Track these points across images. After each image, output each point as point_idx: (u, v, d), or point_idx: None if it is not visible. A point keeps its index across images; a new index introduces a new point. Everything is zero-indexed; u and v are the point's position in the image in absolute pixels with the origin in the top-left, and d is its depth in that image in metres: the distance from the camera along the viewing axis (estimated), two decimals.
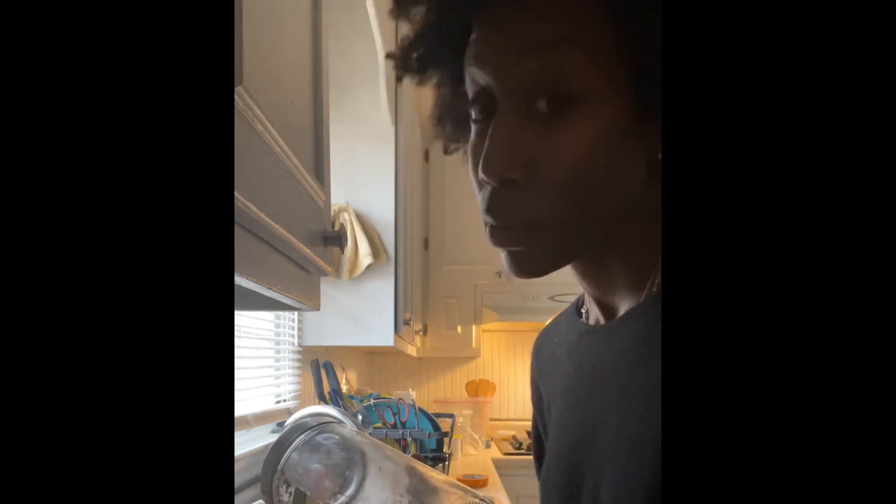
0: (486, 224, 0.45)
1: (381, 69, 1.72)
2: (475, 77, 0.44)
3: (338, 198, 1.88)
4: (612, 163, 0.42)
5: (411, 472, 0.48)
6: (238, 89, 0.42)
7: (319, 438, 0.49)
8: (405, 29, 0.49)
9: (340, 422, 0.52)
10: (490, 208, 0.43)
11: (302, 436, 0.48)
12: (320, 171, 0.73)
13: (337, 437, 0.49)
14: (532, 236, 0.43)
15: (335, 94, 1.81)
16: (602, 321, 0.50)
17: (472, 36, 0.44)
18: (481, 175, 0.42)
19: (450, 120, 0.52)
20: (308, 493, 0.47)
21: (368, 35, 1.62)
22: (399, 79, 0.51)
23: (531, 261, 0.44)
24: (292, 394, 1.86)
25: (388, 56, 0.50)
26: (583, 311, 0.55)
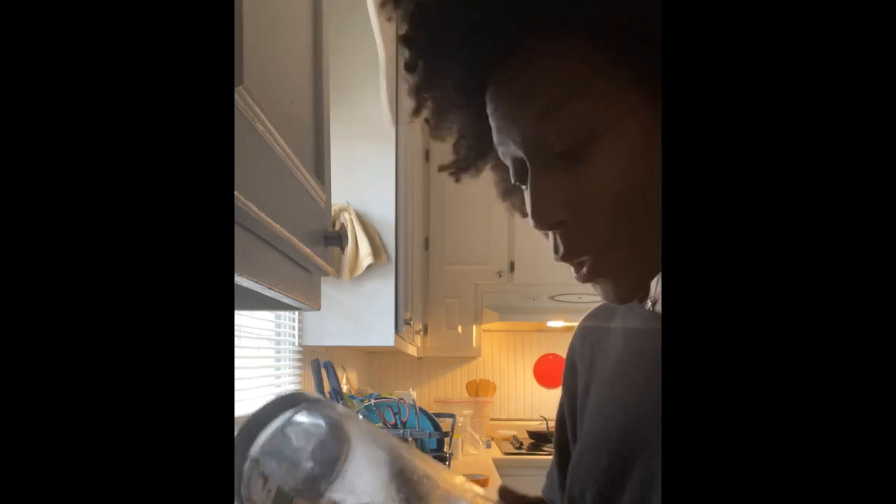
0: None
1: (382, 69, 1.72)
2: (503, 150, 0.47)
3: (338, 198, 1.88)
4: (649, 177, 0.43)
5: (409, 471, 0.41)
6: (239, 89, 0.42)
7: (301, 419, 0.41)
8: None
9: (325, 402, 0.44)
10: (557, 251, 0.46)
11: (281, 417, 0.40)
12: (321, 170, 0.73)
13: (322, 419, 0.42)
14: (606, 260, 0.45)
15: (336, 94, 1.81)
16: None
17: (489, 109, 0.47)
18: (535, 226, 0.46)
19: (471, 151, 0.54)
20: (282, 487, 0.39)
21: (369, 34, 1.62)
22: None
23: (619, 287, 0.46)
24: None
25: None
26: (650, 299, 0.55)
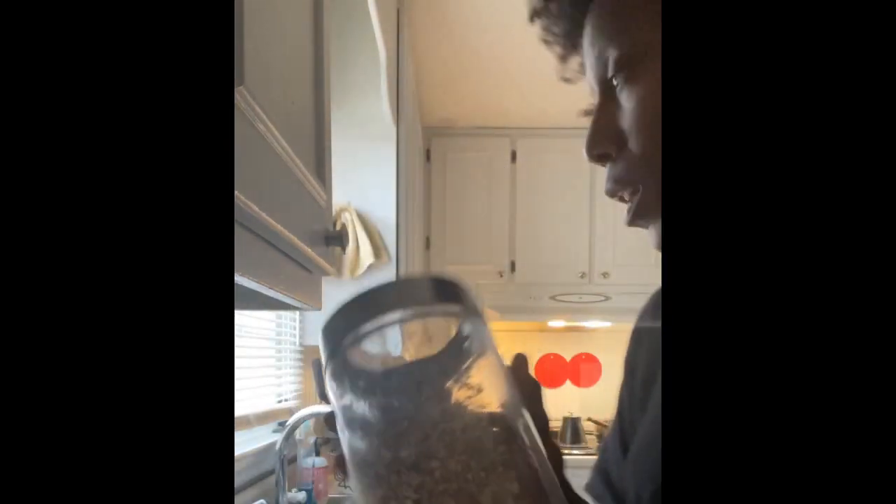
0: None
1: (383, 69, 1.72)
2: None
3: (339, 197, 1.88)
4: None
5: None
6: (240, 89, 0.42)
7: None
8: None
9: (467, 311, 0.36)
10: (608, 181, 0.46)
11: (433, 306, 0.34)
12: (322, 170, 0.73)
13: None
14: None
15: (336, 94, 1.81)
16: None
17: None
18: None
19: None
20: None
21: (370, 34, 1.62)
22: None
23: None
24: (294, 393, 1.86)
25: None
26: None
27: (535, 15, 0.50)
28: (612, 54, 0.43)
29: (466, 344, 0.36)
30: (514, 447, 0.34)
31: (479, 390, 0.34)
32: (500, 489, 0.32)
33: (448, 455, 0.32)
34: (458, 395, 0.34)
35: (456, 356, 0.35)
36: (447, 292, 0.35)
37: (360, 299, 0.34)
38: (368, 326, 0.33)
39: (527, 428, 0.35)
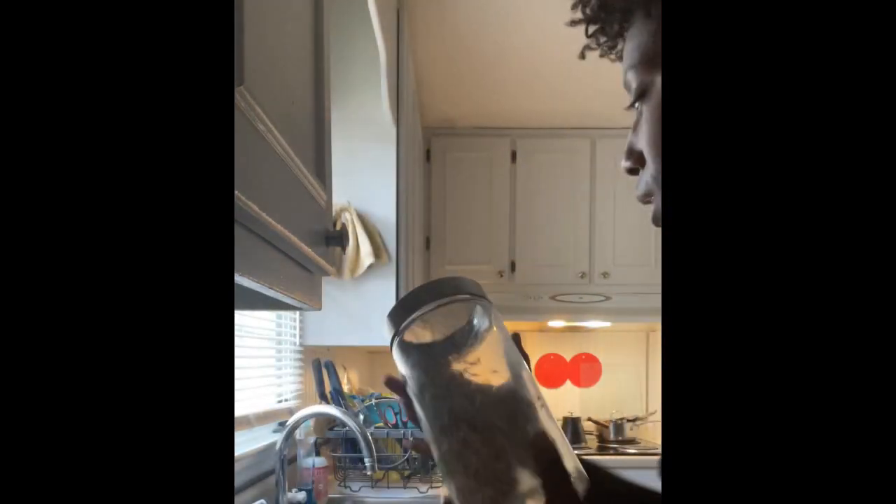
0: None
1: (383, 69, 1.72)
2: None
3: (339, 197, 1.88)
4: None
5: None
6: (239, 89, 0.42)
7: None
8: None
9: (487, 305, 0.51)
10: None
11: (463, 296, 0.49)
12: (322, 170, 0.73)
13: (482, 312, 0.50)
14: None
15: (337, 94, 1.81)
16: None
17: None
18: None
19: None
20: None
21: (370, 35, 1.62)
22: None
23: None
24: (294, 393, 1.86)
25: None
26: None
27: (586, 49, 0.57)
28: (632, 83, 0.51)
29: (476, 322, 0.50)
30: (518, 396, 0.48)
31: (478, 361, 0.49)
32: (487, 419, 0.46)
33: (465, 396, 0.47)
34: (461, 364, 0.48)
35: (468, 333, 0.50)
36: (462, 286, 0.50)
37: (409, 296, 0.50)
38: (416, 314, 0.49)
39: (531, 380, 0.49)
